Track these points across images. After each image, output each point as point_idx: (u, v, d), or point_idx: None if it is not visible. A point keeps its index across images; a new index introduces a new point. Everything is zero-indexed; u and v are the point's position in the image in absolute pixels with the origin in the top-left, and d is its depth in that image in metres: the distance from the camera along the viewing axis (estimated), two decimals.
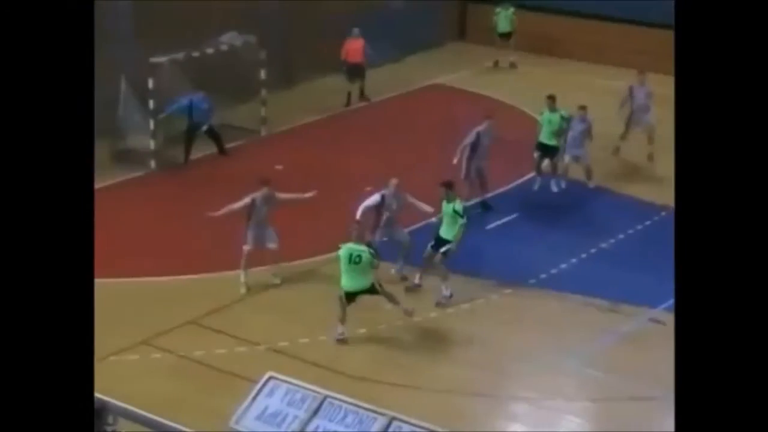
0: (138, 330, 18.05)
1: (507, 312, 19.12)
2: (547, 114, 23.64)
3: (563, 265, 20.51)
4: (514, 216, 22.33)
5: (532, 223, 22.15)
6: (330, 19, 30.51)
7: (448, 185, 19.50)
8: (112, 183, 23.96)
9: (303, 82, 30.23)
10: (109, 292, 19.38)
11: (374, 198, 19.87)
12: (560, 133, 23.58)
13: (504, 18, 32.95)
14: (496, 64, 32.92)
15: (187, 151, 25.31)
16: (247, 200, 19.55)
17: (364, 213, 19.63)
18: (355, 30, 29.44)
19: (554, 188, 23.64)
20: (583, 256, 20.89)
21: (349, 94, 29.53)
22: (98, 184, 23.07)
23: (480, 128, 22.62)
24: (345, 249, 17.87)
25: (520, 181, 24.09)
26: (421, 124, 27.59)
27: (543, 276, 20.09)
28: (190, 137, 25.38)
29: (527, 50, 32.82)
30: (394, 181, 19.93)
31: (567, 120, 23.56)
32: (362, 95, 29.75)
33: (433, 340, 18.28)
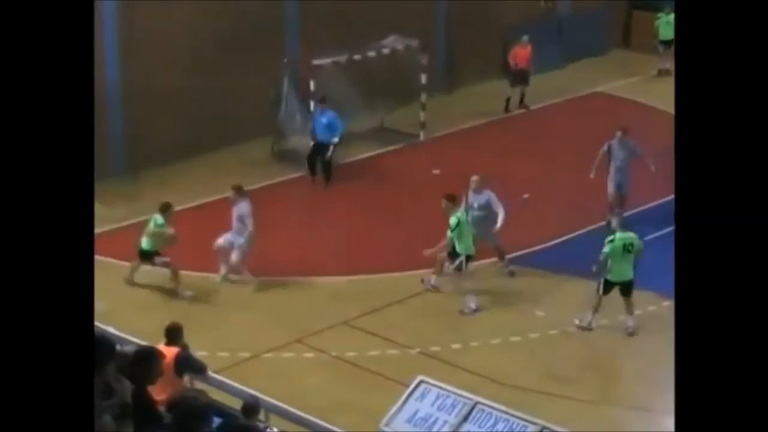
0: (293, 328, 18.25)
1: (665, 324, 18.76)
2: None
3: None
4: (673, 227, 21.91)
5: None
6: (492, 24, 30.48)
7: (451, 198, 19.06)
8: (273, 182, 24.29)
9: (463, 86, 30.21)
10: (266, 291, 19.67)
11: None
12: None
13: (665, 24, 32.35)
14: (659, 73, 32.39)
15: (327, 166, 24.34)
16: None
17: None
18: (525, 37, 29.31)
19: None
20: None
21: (508, 100, 29.41)
22: (259, 183, 23.76)
23: (612, 141, 21.88)
24: (619, 238, 17.83)
25: None
26: (579, 131, 27.28)
27: None
28: (313, 156, 24.46)
29: None
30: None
31: None
32: (522, 102, 29.60)
33: (587, 351, 18.04)
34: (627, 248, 17.90)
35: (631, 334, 18.21)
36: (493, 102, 29.26)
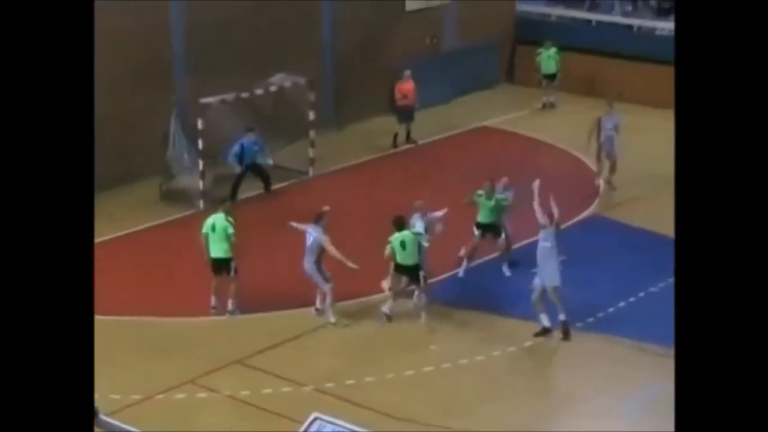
0: (185, 369, 18.08)
1: (556, 355, 18.99)
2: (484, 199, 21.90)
3: (611, 309, 20.36)
4: (561, 259, 22.18)
5: (579, 267, 21.97)
6: (379, 61, 30.69)
7: (399, 221, 20.03)
8: (160, 222, 24.11)
9: (352, 123, 30.34)
10: (156, 331, 19.47)
11: None
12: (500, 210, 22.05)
13: (547, 58, 32.86)
14: (544, 106, 32.86)
15: (234, 190, 25.36)
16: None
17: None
18: (407, 72, 29.58)
19: (506, 272, 22.04)
20: (632, 299, 20.74)
21: (396, 136, 29.60)
22: (147, 223, 23.54)
23: (602, 115, 25.68)
24: None
25: (569, 223, 23.96)
26: (467, 165, 27.53)
27: (591, 320, 19.94)
28: (240, 177, 25.58)
29: (570, 91, 32.67)
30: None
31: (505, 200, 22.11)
32: (409, 137, 29.80)
33: (481, 383, 18.17)
34: None
35: None
36: (382, 138, 29.43)
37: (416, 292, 20.18)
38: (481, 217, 21.73)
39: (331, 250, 19.62)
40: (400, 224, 20.01)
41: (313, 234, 19.72)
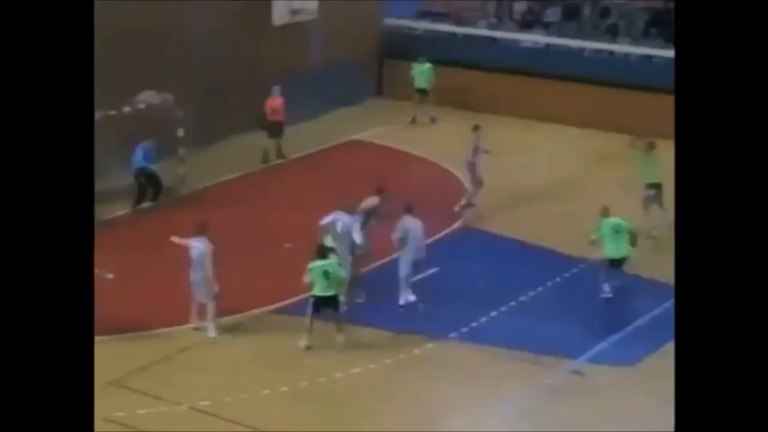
0: None
1: (431, 366, 19.14)
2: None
3: (484, 319, 20.60)
4: (434, 270, 22.41)
5: (452, 277, 22.24)
6: (247, 77, 30.61)
7: (321, 250, 19.63)
8: None
9: (222, 139, 30.18)
10: None
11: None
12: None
13: (420, 73, 33.15)
14: (414, 120, 33.07)
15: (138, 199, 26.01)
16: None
17: None
18: (276, 88, 29.58)
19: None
20: (504, 309, 21.02)
21: (266, 152, 29.57)
22: None
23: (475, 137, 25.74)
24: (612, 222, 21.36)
25: (439, 235, 24.21)
26: (337, 179, 27.63)
27: (464, 329, 20.16)
28: (140, 185, 26.15)
29: (445, 104, 32.98)
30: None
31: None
32: (279, 153, 29.80)
33: (357, 396, 18.24)
34: (616, 228, 20.97)
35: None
36: (252, 154, 29.34)
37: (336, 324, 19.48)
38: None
39: (210, 266, 19.52)
40: (323, 253, 19.50)
41: (199, 246, 19.55)
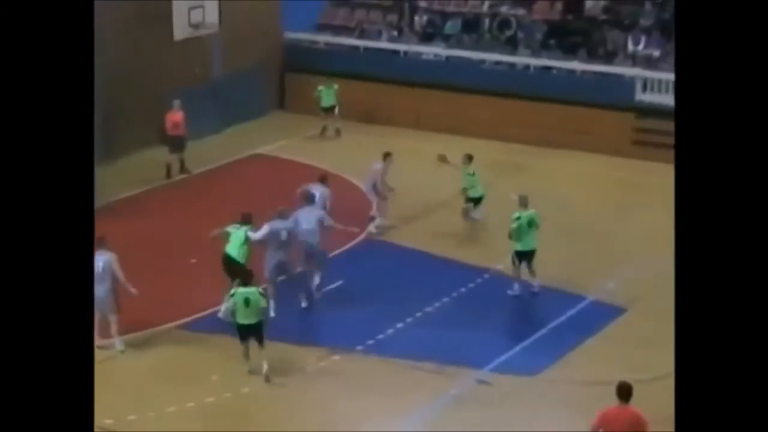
0: None
1: (337, 379, 19.17)
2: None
3: (390, 330, 20.68)
4: (339, 282, 22.46)
5: (357, 289, 22.30)
6: (147, 92, 30.38)
7: (245, 276, 19.43)
8: None
9: (123, 155, 29.91)
10: None
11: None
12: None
13: (326, 95, 33.22)
14: (324, 131, 33.08)
15: None
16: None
17: None
18: (176, 102, 29.40)
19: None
20: (409, 320, 21.11)
21: (169, 166, 29.38)
22: None
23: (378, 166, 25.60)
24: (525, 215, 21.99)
25: (344, 248, 24.26)
26: (241, 193, 27.54)
27: (370, 342, 20.22)
28: None
29: (349, 118, 33.05)
30: None
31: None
32: (183, 167, 29.63)
33: (265, 411, 18.19)
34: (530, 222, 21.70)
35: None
36: (155, 169, 29.14)
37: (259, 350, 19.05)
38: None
39: (120, 273, 19.35)
40: (245, 280, 19.12)
41: (102, 259, 19.34)
